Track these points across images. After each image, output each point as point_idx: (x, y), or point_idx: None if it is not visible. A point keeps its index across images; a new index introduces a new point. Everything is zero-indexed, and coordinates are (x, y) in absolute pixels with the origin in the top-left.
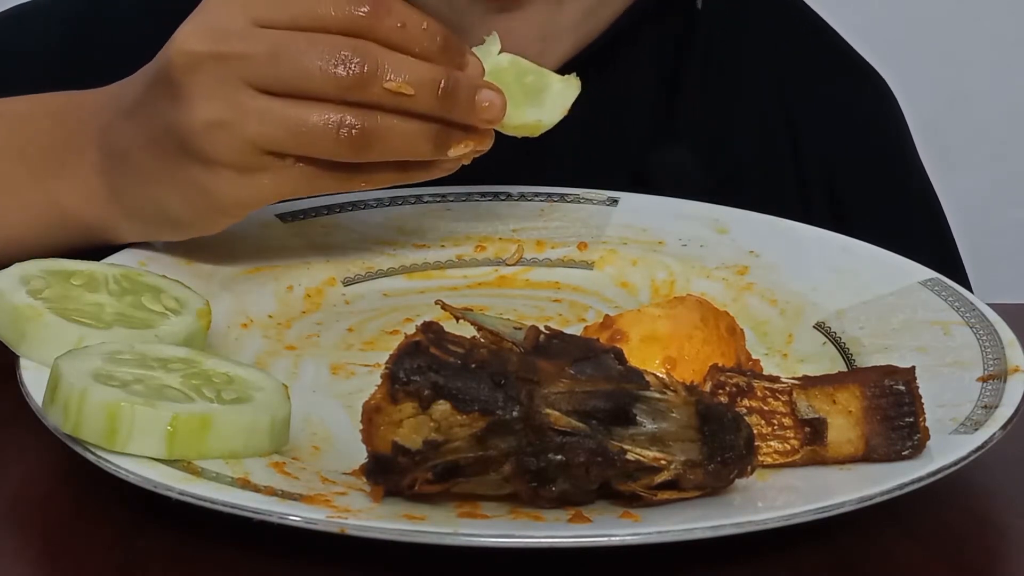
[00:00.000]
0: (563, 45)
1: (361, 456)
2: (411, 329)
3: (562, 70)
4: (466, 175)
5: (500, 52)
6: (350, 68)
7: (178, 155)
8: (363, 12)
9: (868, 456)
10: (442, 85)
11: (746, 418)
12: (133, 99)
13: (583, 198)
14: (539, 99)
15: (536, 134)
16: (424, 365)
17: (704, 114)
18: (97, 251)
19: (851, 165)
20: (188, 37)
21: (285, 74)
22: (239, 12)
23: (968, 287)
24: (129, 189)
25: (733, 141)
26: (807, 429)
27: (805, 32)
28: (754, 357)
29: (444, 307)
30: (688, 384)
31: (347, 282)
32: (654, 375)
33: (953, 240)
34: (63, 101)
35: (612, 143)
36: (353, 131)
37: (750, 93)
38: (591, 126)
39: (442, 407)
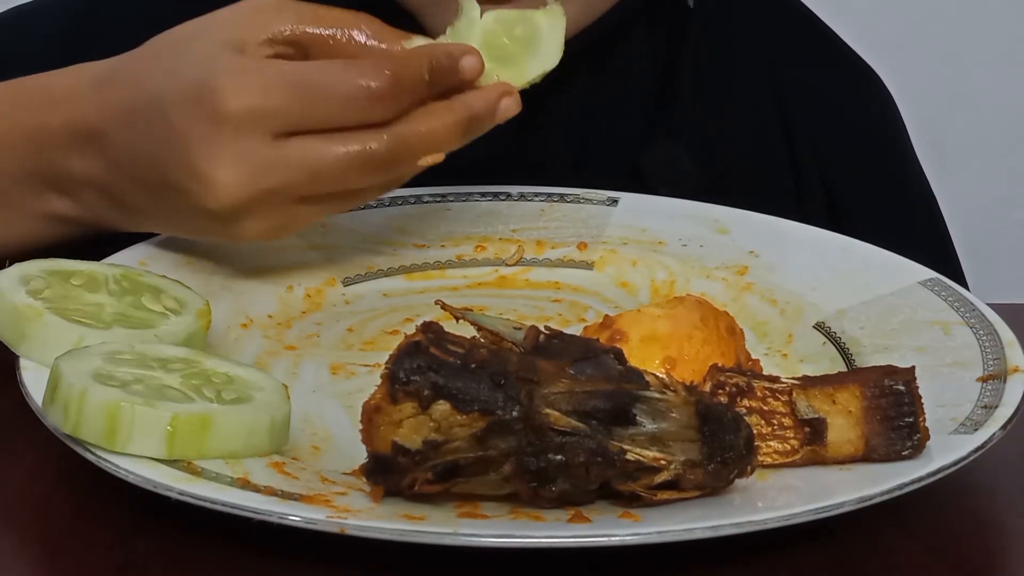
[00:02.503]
0: None
1: (361, 456)
2: (411, 329)
3: (561, 65)
4: (461, 172)
5: (482, 15)
6: (382, 158)
7: (214, 233)
8: (381, 110)
9: (868, 456)
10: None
11: (746, 418)
12: (144, 165)
13: (583, 198)
14: (535, 46)
15: (543, 78)
16: (424, 365)
17: (699, 113)
18: (97, 251)
19: (847, 163)
20: (228, 185)
21: (326, 186)
22: (260, 131)
23: (964, 283)
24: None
25: (728, 139)
26: (807, 429)
27: (801, 29)
28: (754, 357)
29: (444, 307)
30: (688, 384)
31: (347, 282)
32: (654, 375)
33: (949, 236)
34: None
35: (607, 141)
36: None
37: (745, 91)
38: (585, 125)
39: (442, 407)
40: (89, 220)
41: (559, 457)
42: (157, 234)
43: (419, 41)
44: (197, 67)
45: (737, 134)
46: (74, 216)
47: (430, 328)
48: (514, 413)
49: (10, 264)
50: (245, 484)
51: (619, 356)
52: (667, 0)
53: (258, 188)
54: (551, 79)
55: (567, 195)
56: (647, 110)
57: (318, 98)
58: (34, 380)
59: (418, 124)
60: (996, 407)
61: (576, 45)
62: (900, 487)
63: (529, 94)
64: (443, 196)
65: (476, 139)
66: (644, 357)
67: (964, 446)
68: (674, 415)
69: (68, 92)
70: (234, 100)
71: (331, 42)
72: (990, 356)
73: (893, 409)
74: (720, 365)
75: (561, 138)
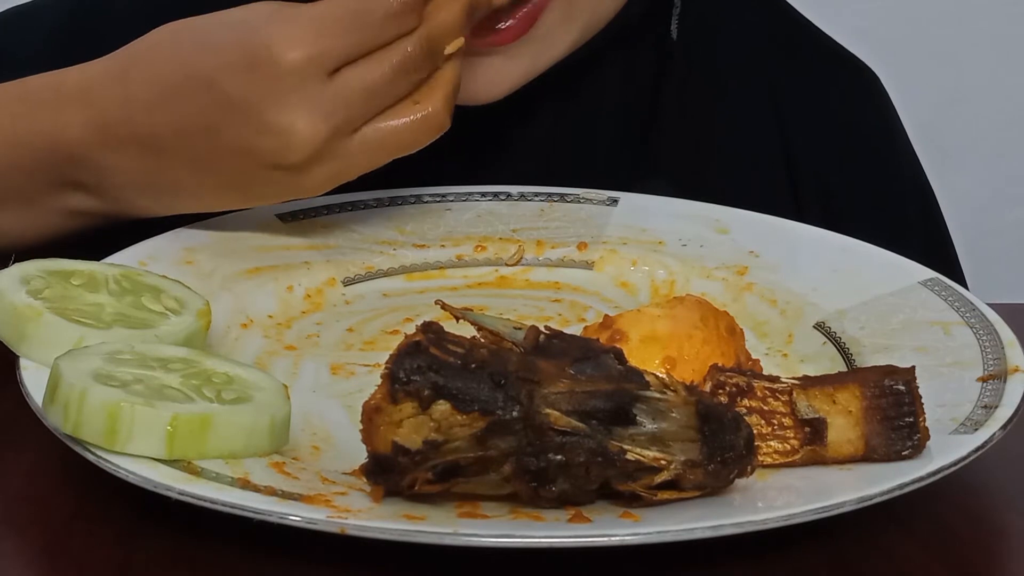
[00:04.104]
0: (521, 79)
1: (361, 456)
2: (411, 329)
3: (530, 94)
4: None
5: None
6: (418, 57)
7: (275, 191)
8: (415, 18)
9: (868, 456)
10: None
11: (746, 418)
12: (183, 117)
13: (583, 198)
14: None
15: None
16: (424, 365)
17: (685, 143)
18: (97, 251)
19: (844, 162)
20: (306, 132)
21: (376, 105)
22: (319, 74)
23: (963, 281)
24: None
25: (718, 160)
26: (807, 429)
27: (793, 34)
28: (754, 357)
29: (444, 307)
30: (688, 384)
31: (347, 282)
32: (654, 375)
33: (948, 235)
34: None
35: (585, 170)
36: (434, 118)
37: (735, 104)
38: (563, 153)
39: (442, 407)
40: (108, 211)
41: (559, 457)
42: (153, 231)
43: None
44: (235, 33)
45: (729, 153)
46: (92, 209)
47: (430, 328)
48: (514, 413)
49: (12, 263)
50: (245, 484)
51: (619, 356)
52: (646, 30)
53: (329, 128)
54: (518, 110)
55: (567, 195)
56: (628, 144)
57: (362, 26)
58: (34, 380)
59: (436, 18)
60: (996, 407)
61: (539, 80)
62: (900, 487)
63: (501, 122)
64: (443, 196)
65: (446, 168)
66: (644, 357)
67: (964, 446)
68: (674, 415)
69: (82, 89)
70: (290, 51)
71: None
72: (990, 356)
73: (893, 409)
74: (720, 365)
75: (535, 168)
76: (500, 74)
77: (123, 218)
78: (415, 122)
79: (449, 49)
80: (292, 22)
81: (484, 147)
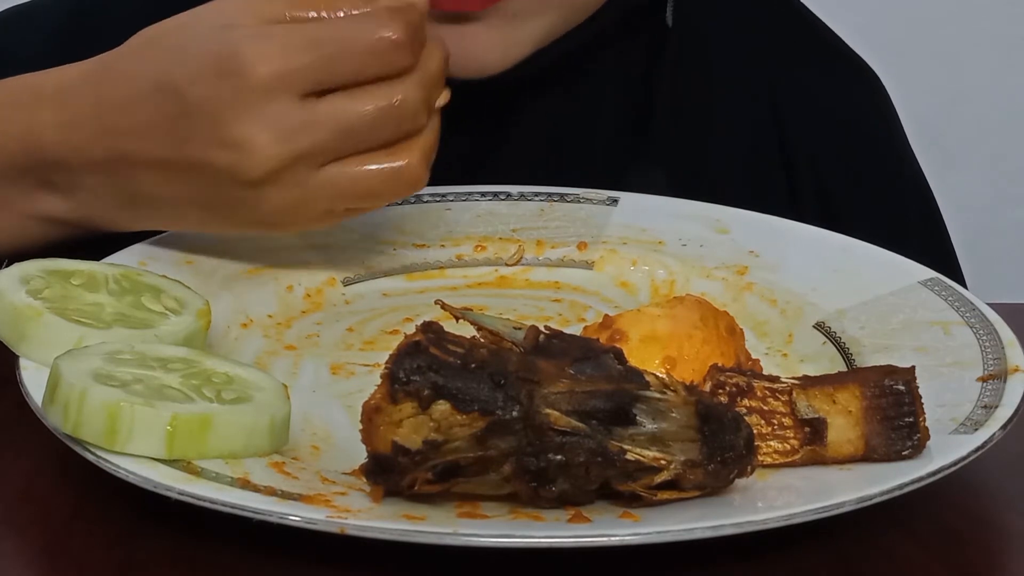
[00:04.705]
0: (525, 50)
1: (361, 456)
2: (411, 329)
3: (525, 86)
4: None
5: None
6: (409, 106)
7: (233, 211)
8: (403, 58)
9: (868, 456)
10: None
11: (746, 418)
12: (158, 132)
13: (583, 198)
14: None
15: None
16: (424, 365)
17: (681, 136)
18: (97, 251)
19: (842, 161)
20: (264, 148)
21: (351, 144)
22: (289, 94)
23: (962, 280)
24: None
25: (715, 151)
26: (807, 429)
27: (794, 26)
28: (754, 357)
29: (444, 307)
30: (688, 384)
31: (347, 282)
32: (654, 375)
33: (947, 234)
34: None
35: (581, 161)
36: (411, 170)
37: (733, 97)
38: (557, 145)
39: (442, 407)
40: (82, 220)
41: (559, 457)
42: (149, 234)
43: None
44: (208, 43)
45: (726, 145)
46: (66, 216)
47: (430, 328)
48: (514, 413)
49: (9, 264)
50: (245, 484)
51: (619, 356)
52: (644, 17)
53: (292, 151)
54: (522, 98)
55: (567, 195)
56: (625, 130)
57: (341, 53)
58: (34, 380)
59: (427, 65)
60: (996, 407)
61: (543, 62)
62: (900, 487)
63: (496, 115)
64: (443, 196)
65: (447, 157)
66: (644, 357)
67: (964, 446)
68: (674, 415)
69: (59, 90)
70: (261, 65)
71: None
72: (990, 356)
73: (893, 409)
74: (720, 365)
75: (530, 161)
76: (481, 43)
77: (101, 230)
78: (388, 172)
79: (439, 102)
80: (269, 38)
81: (488, 131)
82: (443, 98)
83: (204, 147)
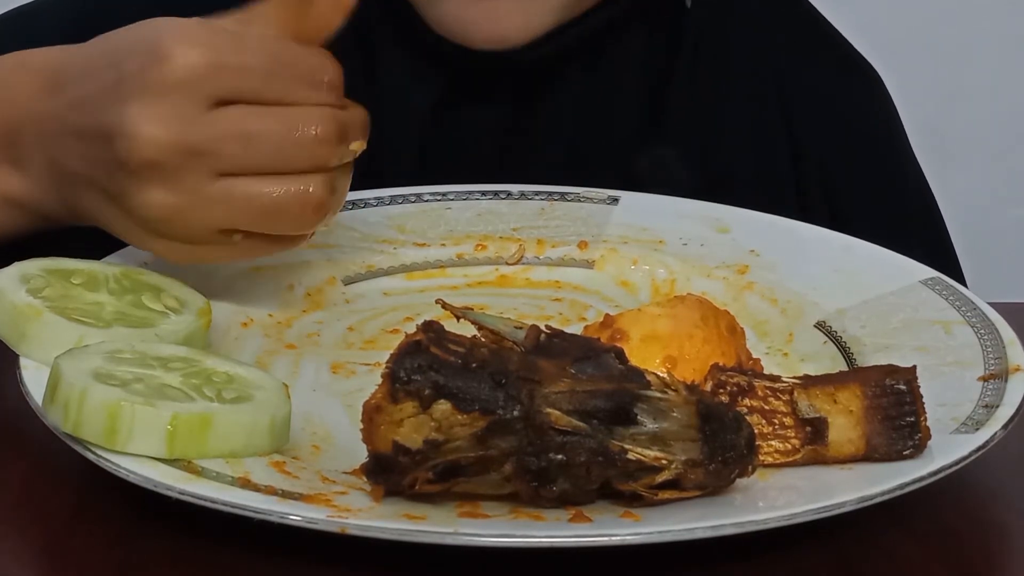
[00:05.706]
0: (546, 21)
1: (361, 455)
2: (411, 328)
3: (545, 66)
4: (452, 172)
5: None
6: (313, 140)
7: (122, 202)
8: (326, 93)
9: (869, 456)
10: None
11: (747, 417)
12: (82, 115)
13: (583, 197)
14: None
15: None
16: (425, 364)
17: (695, 114)
18: (97, 251)
19: (844, 161)
20: (146, 123)
21: (252, 159)
22: (198, 88)
23: (962, 279)
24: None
25: (726, 143)
26: (808, 428)
27: (803, 25)
28: (754, 356)
29: (444, 306)
30: (689, 383)
31: (347, 281)
32: (655, 374)
33: (947, 234)
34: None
35: (600, 143)
36: (314, 199)
37: (745, 91)
38: (579, 126)
39: (443, 406)
40: (34, 202)
41: (560, 457)
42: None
43: None
44: (154, 28)
45: (736, 135)
46: (21, 196)
47: (431, 327)
48: (515, 413)
49: (10, 263)
50: (245, 483)
51: (620, 355)
52: (666, 4)
53: (180, 146)
54: (542, 80)
55: (567, 194)
56: (642, 114)
57: (268, 72)
58: (34, 379)
59: (353, 110)
60: (997, 406)
61: (565, 41)
62: (901, 487)
63: (520, 95)
64: (443, 195)
65: (465, 140)
66: (645, 356)
67: (965, 446)
68: (675, 414)
69: (44, 65)
70: (182, 59)
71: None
72: (991, 355)
73: (894, 408)
74: (721, 364)
75: (553, 140)
76: (502, 13)
77: (51, 219)
78: (288, 194)
79: (354, 147)
80: (200, 43)
81: (516, 110)
82: (358, 145)
83: (108, 118)
